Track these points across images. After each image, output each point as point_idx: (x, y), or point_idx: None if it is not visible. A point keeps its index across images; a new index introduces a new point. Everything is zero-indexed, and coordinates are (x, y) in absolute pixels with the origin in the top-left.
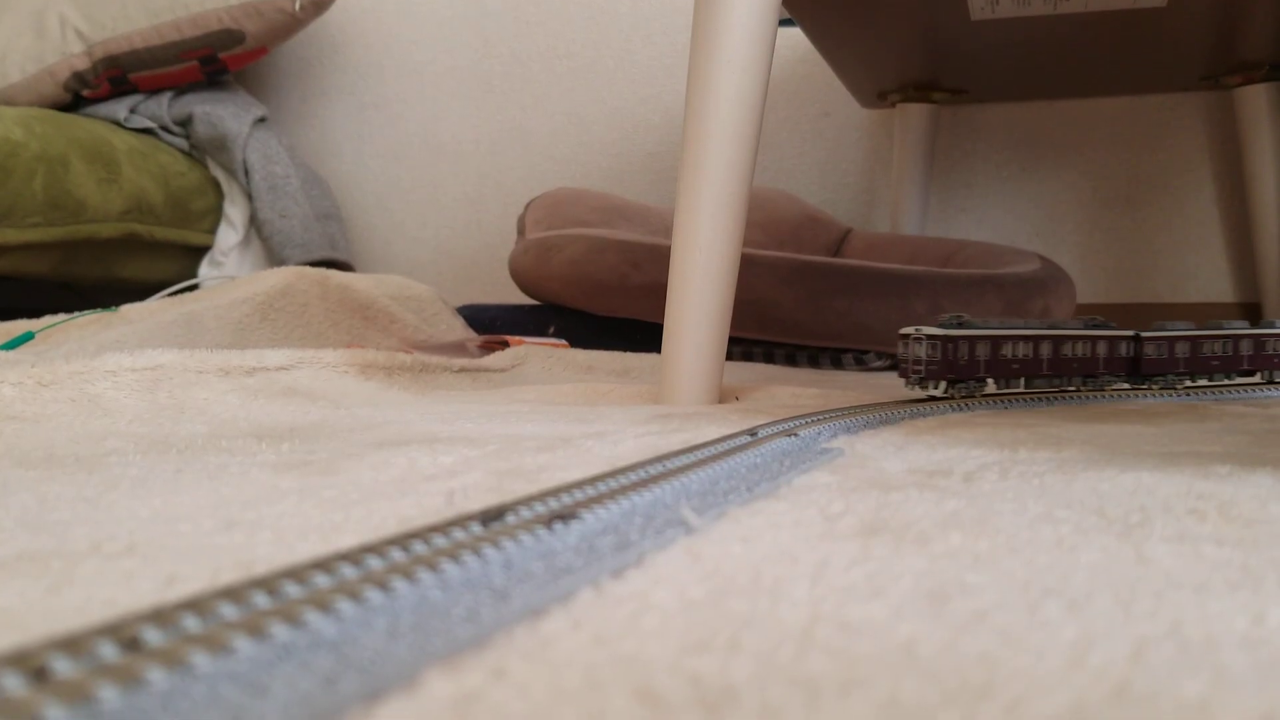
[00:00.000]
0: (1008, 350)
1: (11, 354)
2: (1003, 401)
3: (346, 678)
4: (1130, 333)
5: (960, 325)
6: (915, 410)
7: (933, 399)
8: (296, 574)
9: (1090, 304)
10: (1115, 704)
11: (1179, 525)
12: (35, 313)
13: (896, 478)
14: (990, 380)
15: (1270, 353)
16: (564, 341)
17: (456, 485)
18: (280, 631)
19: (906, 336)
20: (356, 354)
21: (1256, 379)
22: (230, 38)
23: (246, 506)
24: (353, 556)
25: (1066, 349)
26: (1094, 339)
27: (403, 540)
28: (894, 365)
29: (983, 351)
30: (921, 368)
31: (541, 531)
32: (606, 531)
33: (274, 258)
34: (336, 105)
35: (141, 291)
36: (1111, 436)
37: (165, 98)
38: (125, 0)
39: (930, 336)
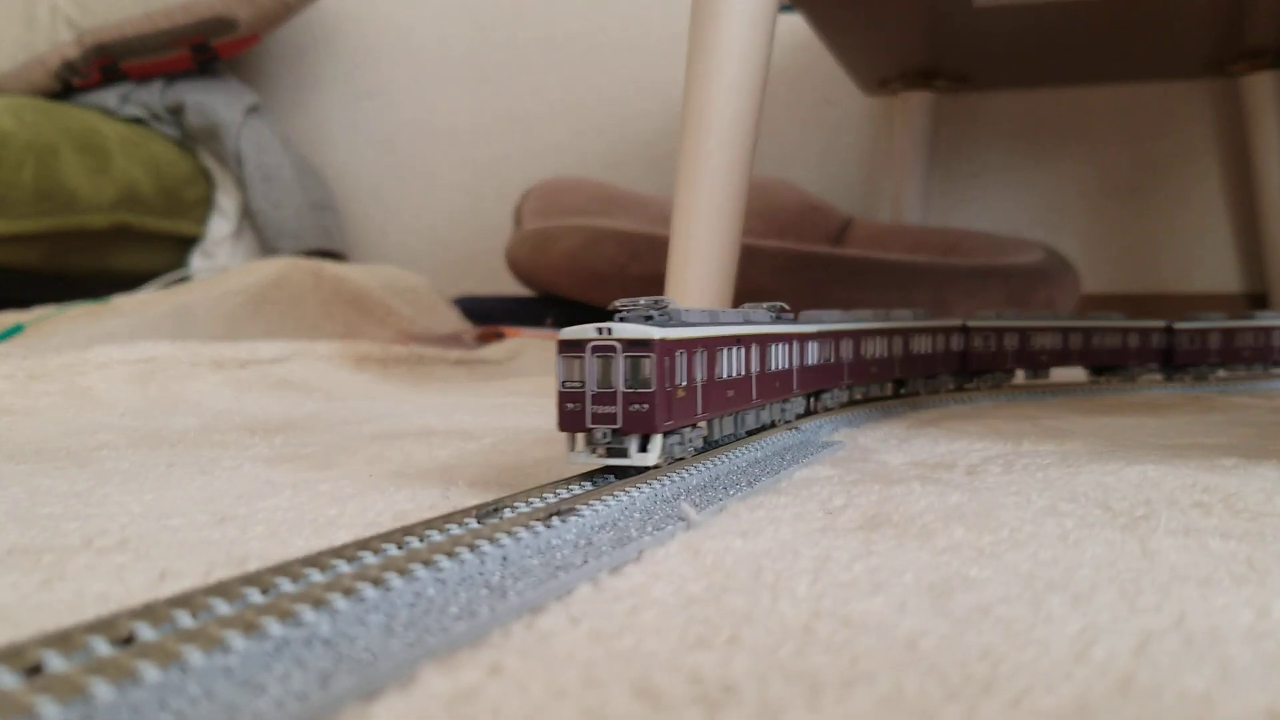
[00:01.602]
0: (723, 363)
1: (1, 346)
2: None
3: (342, 674)
4: (802, 330)
5: (669, 319)
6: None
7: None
8: (290, 570)
9: (1095, 295)
10: (1119, 698)
11: (1184, 518)
12: (25, 304)
13: (899, 471)
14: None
15: (916, 353)
16: None
17: (453, 479)
18: (274, 628)
19: (581, 344)
20: (351, 346)
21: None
22: (222, 25)
23: (239, 501)
24: (347, 552)
25: (772, 357)
26: (791, 340)
27: (398, 536)
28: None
29: (701, 368)
30: (616, 412)
31: (539, 527)
32: (605, 526)
33: (267, 248)
34: (330, 93)
35: (133, 283)
36: (1116, 429)
37: (157, 86)
38: None
39: (639, 344)
